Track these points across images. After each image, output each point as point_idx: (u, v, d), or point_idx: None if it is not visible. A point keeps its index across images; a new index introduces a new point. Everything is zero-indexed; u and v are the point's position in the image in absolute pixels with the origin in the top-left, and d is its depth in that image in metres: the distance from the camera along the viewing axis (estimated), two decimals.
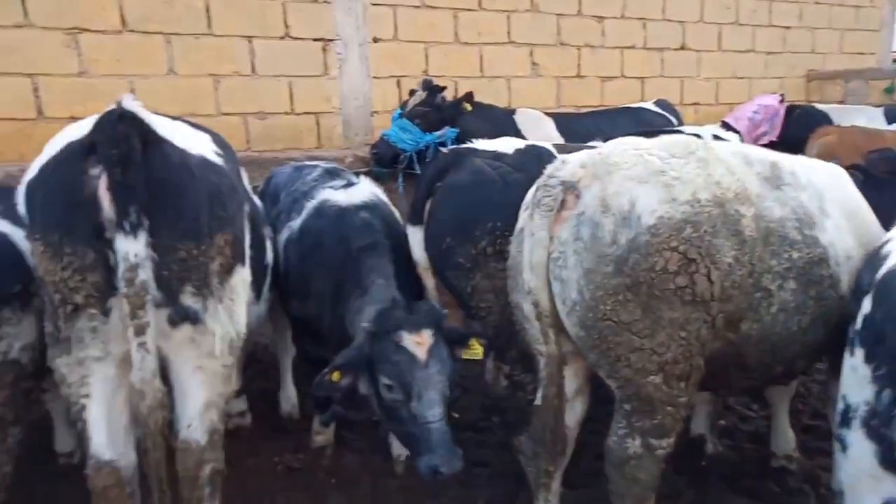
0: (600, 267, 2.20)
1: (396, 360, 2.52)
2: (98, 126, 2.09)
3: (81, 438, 2.31)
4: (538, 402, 2.48)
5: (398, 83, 6.09)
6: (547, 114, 5.85)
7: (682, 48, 7.83)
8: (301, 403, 3.99)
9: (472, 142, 3.17)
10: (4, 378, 2.38)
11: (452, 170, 3.01)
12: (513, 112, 5.76)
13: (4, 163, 4.33)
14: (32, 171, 2.18)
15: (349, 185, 3.47)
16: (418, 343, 2.55)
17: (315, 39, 5.66)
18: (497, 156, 3.00)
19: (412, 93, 5.31)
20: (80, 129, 2.19)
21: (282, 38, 5.50)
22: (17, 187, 2.27)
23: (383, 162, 5.16)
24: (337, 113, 5.87)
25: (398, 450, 3.42)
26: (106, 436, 2.27)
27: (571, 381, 2.58)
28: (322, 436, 3.60)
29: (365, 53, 5.85)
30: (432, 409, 2.47)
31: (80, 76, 4.82)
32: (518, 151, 3.04)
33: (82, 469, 2.32)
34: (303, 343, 3.58)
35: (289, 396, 4.01)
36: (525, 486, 2.87)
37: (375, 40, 5.93)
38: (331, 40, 5.71)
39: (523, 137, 4.17)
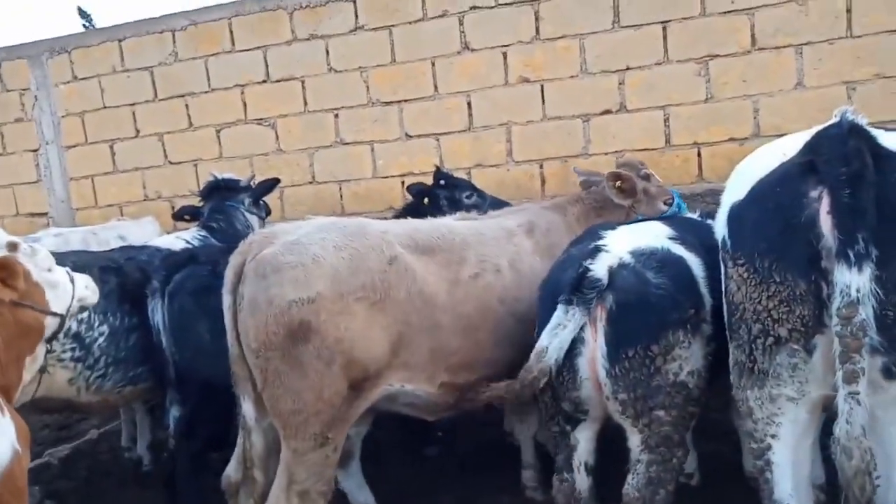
0: None
1: None
2: (818, 142, 1.89)
3: (761, 479, 2.17)
4: None
5: None
6: None
7: None
8: None
9: None
10: (674, 399, 2.43)
11: None
12: None
13: None
14: (736, 192, 2.15)
15: None
16: None
17: None
18: None
19: None
20: (784, 148, 2.05)
21: None
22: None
23: None
24: None
25: None
26: (791, 483, 2.07)
27: None
28: None
29: None
30: None
31: (706, 102, 4.96)
32: None
33: None
34: None
35: None
36: None
37: None
38: None
39: None
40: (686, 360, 2.35)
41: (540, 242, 3.29)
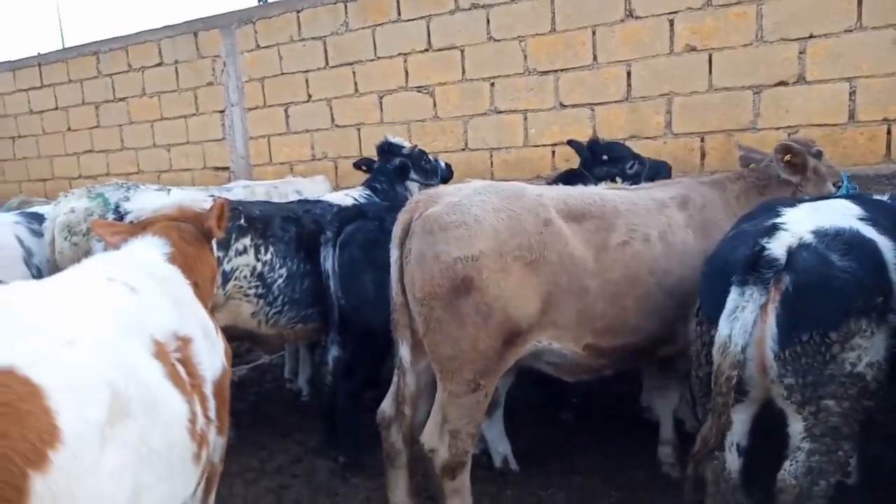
0: None
1: None
2: None
3: None
4: None
5: None
6: None
7: None
8: None
9: None
10: (848, 391, 2.31)
11: None
12: None
13: None
14: None
15: None
16: None
17: None
18: None
19: None
20: None
21: None
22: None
23: None
24: None
25: None
26: None
27: None
28: None
29: None
30: None
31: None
32: None
33: None
34: None
35: None
36: None
37: None
38: None
39: None
40: (866, 350, 2.20)
41: (694, 217, 3.21)
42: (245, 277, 3.85)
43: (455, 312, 2.62)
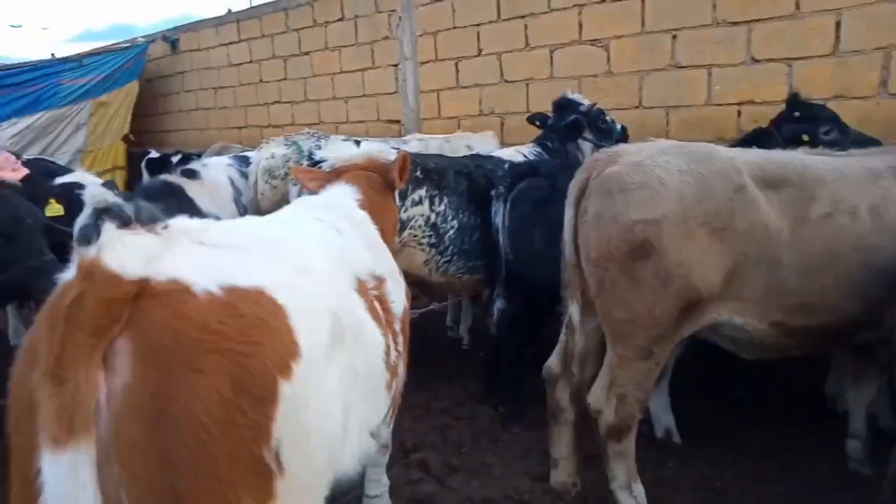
0: None
1: None
2: None
3: None
4: None
5: None
6: None
7: None
8: None
9: None
10: None
11: None
12: None
13: None
14: None
15: None
16: None
17: None
18: None
19: None
20: None
21: None
22: None
23: None
24: None
25: None
26: None
27: None
28: None
29: None
30: None
31: None
32: None
33: None
34: None
35: None
36: None
37: None
38: None
39: None
40: None
41: None
42: (419, 227, 4.05)
43: (631, 276, 2.58)
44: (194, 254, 1.39)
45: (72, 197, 3.58)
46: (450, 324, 5.49)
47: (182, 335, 1.23)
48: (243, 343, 1.28)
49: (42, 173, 4.77)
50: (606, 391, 2.70)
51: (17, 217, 3.13)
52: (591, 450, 2.96)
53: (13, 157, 4.55)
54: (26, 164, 4.85)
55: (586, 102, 4.94)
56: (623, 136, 4.99)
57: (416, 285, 4.41)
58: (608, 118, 5.00)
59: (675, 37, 5.56)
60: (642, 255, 2.53)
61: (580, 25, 6.14)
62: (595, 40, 6.07)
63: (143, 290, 1.24)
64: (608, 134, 4.91)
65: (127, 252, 1.24)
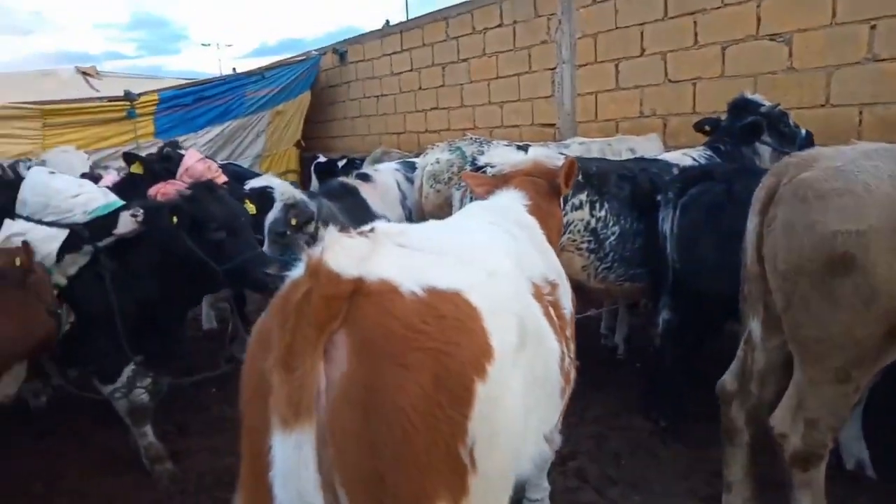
0: None
1: None
2: None
3: None
4: None
5: None
6: None
7: None
8: None
9: None
10: None
11: None
12: None
13: None
14: None
15: None
16: None
17: None
18: None
19: None
20: None
21: None
22: None
23: None
24: None
25: None
26: None
27: None
28: None
29: None
30: None
31: None
32: None
33: None
34: None
35: None
36: None
37: None
38: None
39: None
40: None
41: None
42: (579, 231, 4.00)
43: (827, 292, 2.35)
44: (397, 256, 1.49)
45: (265, 199, 3.99)
46: (604, 331, 5.36)
47: (391, 332, 1.32)
48: (444, 343, 1.34)
49: (232, 176, 5.35)
50: (793, 415, 2.49)
51: (236, 214, 3.55)
52: (768, 475, 2.75)
53: (215, 164, 5.15)
54: (220, 167, 5.47)
55: (767, 103, 4.57)
56: (808, 142, 4.56)
57: (573, 291, 4.36)
58: (791, 121, 4.60)
59: (873, 27, 5.00)
60: (842, 270, 2.30)
61: (758, 19, 5.72)
62: (775, 35, 5.62)
63: (358, 289, 1.35)
64: (790, 139, 4.51)
65: (344, 253, 1.36)
